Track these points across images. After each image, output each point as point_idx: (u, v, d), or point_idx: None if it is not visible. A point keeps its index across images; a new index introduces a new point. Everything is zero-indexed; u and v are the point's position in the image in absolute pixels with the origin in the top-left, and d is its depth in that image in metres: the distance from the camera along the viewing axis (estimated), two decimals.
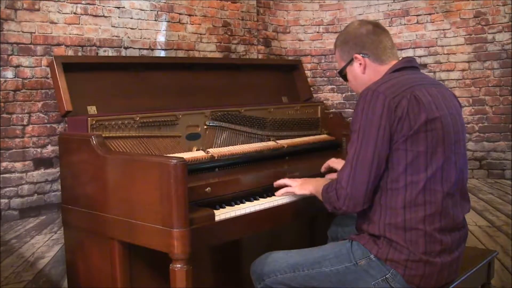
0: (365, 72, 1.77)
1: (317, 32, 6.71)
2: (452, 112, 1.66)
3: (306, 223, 2.70)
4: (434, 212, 1.57)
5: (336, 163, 2.14)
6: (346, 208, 1.60)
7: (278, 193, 1.97)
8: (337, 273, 1.64)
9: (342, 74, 1.85)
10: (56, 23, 4.60)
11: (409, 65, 1.73)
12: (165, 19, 5.41)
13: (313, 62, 6.73)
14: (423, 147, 1.55)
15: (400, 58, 1.77)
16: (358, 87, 1.80)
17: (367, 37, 1.76)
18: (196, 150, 2.18)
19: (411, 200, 1.56)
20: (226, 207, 1.82)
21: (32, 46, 4.47)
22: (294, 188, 1.93)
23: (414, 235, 1.56)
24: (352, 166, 1.57)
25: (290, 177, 2.02)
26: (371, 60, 1.75)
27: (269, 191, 2.00)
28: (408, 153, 1.55)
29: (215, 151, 2.18)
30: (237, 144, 2.33)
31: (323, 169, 2.18)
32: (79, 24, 4.75)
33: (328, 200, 1.65)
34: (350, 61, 1.79)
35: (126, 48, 5.09)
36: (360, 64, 1.76)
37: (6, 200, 4.37)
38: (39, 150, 4.54)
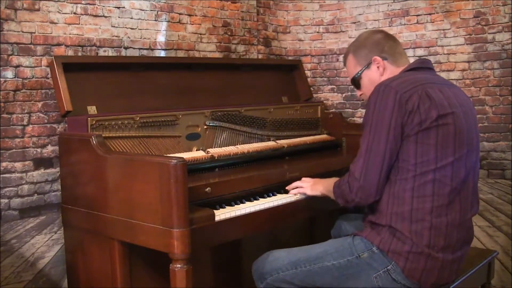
0: (383, 75, 1.79)
1: (317, 32, 6.71)
2: (465, 110, 1.67)
3: (306, 223, 2.70)
4: (442, 204, 1.59)
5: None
6: (359, 200, 1.63)
7: (289, 188, 2.01)
8: (339, 267, 1.65)
9: (357, 79, 1.85)
10: (56, 23, 4.60)
11: (423, 66, 1.75)
12: (165, 19, 5.41)
13: (313, 62, 6.73)
14: (433, 140, 1.57)
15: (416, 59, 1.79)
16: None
17: (385, 41, 1.80)
18: (196, 150, 2.18)
19: (419, 190, 1.58)
20: (226, 207, 1.82)
21: (32, 46, 4.47)
22: (305, 189, 1.96)
23: (419, 226, 1.58)
24: (365, 158, 1.61)
25: (290, 178, 2.01)
26: (389, 62, 1.79)
27: (269, 191, 2.00)
28: (418, 145, 1.57)
29: (215, 151, 2.18)
30: (237, 144, 2.33)
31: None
32: (79, 24, 4.75)
33: (340, 194, 1.69)
34: (368, 65, 1.81)
35: (126, 48, 5.09)
36: (378, 67, 1.79)
37: (6, 200, 4.36)
38: (39, 150, 4.54)
